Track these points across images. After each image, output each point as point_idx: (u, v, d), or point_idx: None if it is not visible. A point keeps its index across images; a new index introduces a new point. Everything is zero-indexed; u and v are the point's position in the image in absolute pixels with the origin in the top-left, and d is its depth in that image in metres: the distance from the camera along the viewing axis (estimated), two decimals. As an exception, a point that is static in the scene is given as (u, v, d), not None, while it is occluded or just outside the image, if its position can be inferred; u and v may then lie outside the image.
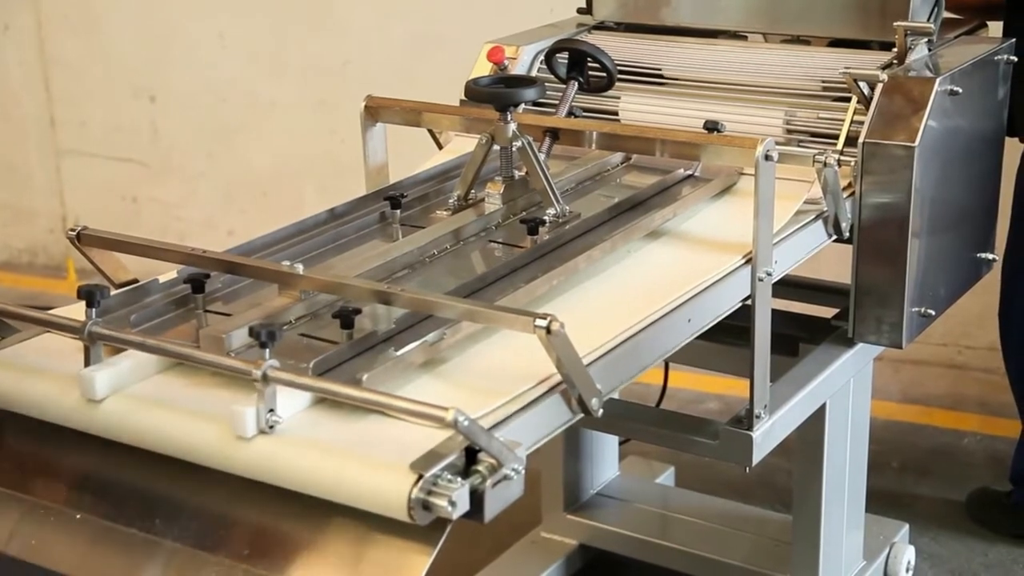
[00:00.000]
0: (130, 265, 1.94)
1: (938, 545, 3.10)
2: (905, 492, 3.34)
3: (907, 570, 2.85)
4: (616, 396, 1.78)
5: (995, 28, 2.72)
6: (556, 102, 2.42)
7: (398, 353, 1.63)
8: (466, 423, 1.38)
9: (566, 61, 2.42)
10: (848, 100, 2.33)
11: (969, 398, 3.83)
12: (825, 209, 2.21)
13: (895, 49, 2.37)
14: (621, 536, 2.89)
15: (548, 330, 1.52)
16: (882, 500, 3.21)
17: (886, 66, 2.34)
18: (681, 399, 3.74)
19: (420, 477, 1.38)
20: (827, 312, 2.55)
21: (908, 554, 2.86)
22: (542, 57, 2.58)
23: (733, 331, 2.13)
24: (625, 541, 2.89)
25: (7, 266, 5.25)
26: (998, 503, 3.19)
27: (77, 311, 1.69)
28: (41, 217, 5.19)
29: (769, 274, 2.03)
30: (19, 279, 5.15)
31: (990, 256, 2.63)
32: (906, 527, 2.91)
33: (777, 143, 1.99)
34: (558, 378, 1.62)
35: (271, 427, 1.49)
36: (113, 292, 1.82)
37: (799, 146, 2.35)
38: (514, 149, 2.14)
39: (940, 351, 3.92)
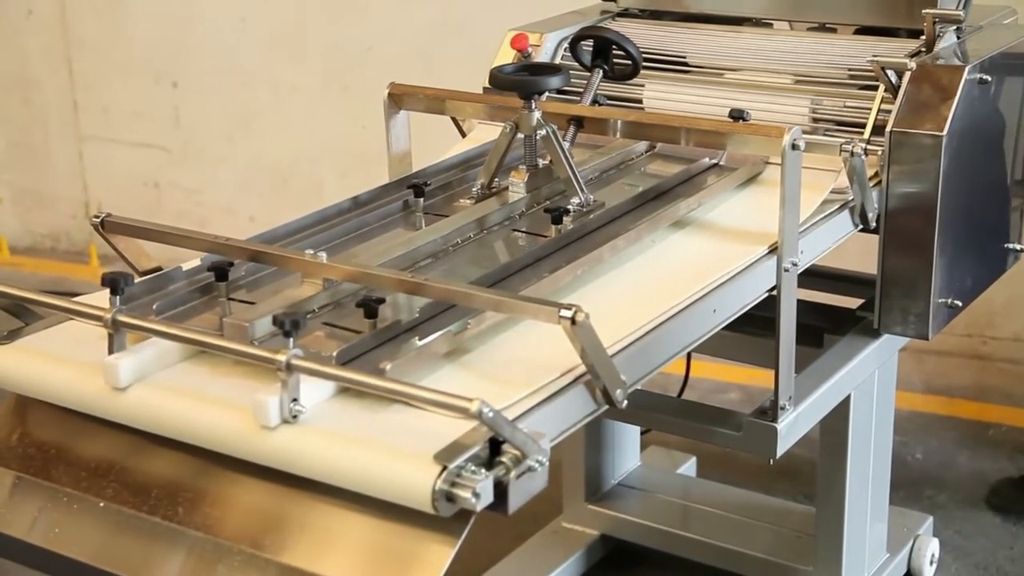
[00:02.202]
0: (152, 251, 1.93)
1: (962, 538, 3.07)
2: (929, 484, 3.32)
3: (931, 563, 2.84)
4: (639, 386, 1.77)
5: (1025, 16, 2.69)
6: (580, 90, 2.40)
7: (422, 343, 1.62)
8: (490, 414, 1.37)
9: (591, 49, 2.41)
10: (875, 88, 2.31)
11: (994, 389, 3.80)
12: (851, 198, 2.19)
13: (923, 37, 2.35)
14: (642, 527, 2.88)
15: (573, 321, 1.51)
16: (906, 492, 3.19)
17: (914, 54, 2.32)
18: (702, 389, 3.73)
19: (444, 468, 1.38)
20: (852, 303, 2.53)
21: (932, 547, 2.84)
22: (566, 44, 2.56)
23: (757, 321, 2.11)
24: (646, 532, 2.88)
25: (30, 251, 5.27)
26: (1014, 485, 3.18)
27: (101, 298, 1.68)
28: (63, 202, 5.20)
29: (795, 264, 2.01)
30: (41, 264, 5.16)
31: (1017, 247, 2.60)
32: (930, 519, 2.90)
33: (803, 132, 1.97)
34: (582, 369, 1.61)
35: (294, 416, 1.49)
36: (137, 280, 1.82)
37: (825, 135, 2.33)
38: (538, 137, 2.13)
39: (964, 342, 3.89)
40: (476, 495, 1.37)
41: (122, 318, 1.59)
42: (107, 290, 1.63)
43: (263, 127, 4.74)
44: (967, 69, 2.21)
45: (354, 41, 4.48)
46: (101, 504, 1.57)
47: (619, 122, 2.16)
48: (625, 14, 2.71)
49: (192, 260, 1.88)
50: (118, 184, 5.06)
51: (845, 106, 2.35)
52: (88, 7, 4.92)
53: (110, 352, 1.61)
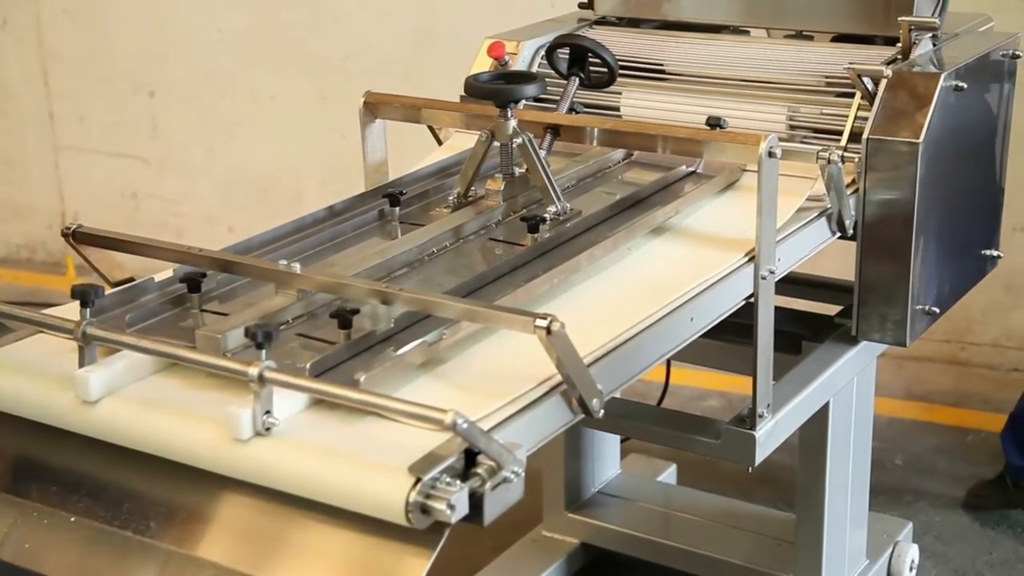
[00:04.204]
0: (126, 262, 1.92)
1: (942, 543, 3.08)
2: (908, 490, 3.32)
3: (911, 569, 2.84)
4: (617, 395, 1.76)
5: (1002, 23, 2.69)
6: (557, 98, 2.39)
7: (397, 353, 1.61)
8: (465, 425, 1.36)
9: (567, 57, 2.40)
10: (852, 96, 2.31)
11: (972, 395, 3.81)
12: (828, 206, 2.19)
13: (899, 44, 2.35)
14: (623, 535, 2.87)
15: (548, 330, 1.50)
16: (885, 498, 3.19)
17: (890, 61, 2.32)
18: (682, 396, 3.72)
19: (418, 480, 1.37)
20: (830, 309, 2.53)
21: (912, 553, 2.84)
22: (543, 52, 2.56)
23: (735, 328, 2.11)
24: (627, 540, 2.87)
25: (5, 262, 5.24)
26: (990, 483, 3.20)
27: (72, 310, 1.67)
28: (40, 213, 5.17)
29: (772, 272, 2.01)
30: (18, 275, 5.13)
31: (994, 253, 2.61)
32: (910, 525, 2.90)
33: (780, 139, 1.97)
34: (558, 378, 1.60)
35: (267, 429, 1.47)
36: (108, 291, 1.80)
37: (802, 142, 2.33)
38: (514, 146, 2.12)
39: (943, 347, 3.90)
40: (451, 507, 1.36)
41: (92, 331, 1.58)
42: (78, 302, 1.61)
43: (242, 137, 4.72)
44: (943, 76, 2.22)
45: (332, 50, 4.47)
46: (72, 519, 1.56)
47: (596, 130, 2.16)
48: (602, 22, 2.71)
49: (165, 271, 1.87)
50: (95, 195, 5.03)
51: (822, 113, 2.35)
52: (64, 16, 4.89)
53: (80, 365, 1.59)
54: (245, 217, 4.75)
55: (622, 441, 3.09)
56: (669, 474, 3.20)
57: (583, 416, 1.65)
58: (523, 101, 2.14)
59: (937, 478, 3.38)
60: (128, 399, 1.57)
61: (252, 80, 4.64)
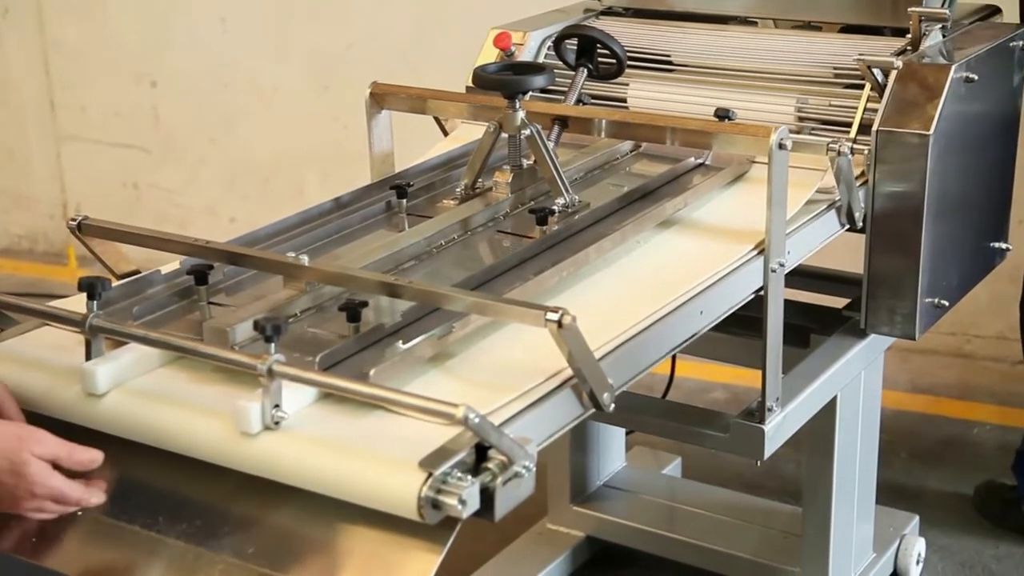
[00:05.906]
0: (131, 253, 1.90)
1: (948, 537, 3.06)
2: (914, 483, 3.31)
3: (918, 562, 2.83)
4: (625, 388, 1.75)
5: (1010, 14, 2.68)
6: (564, 89, 2.38)
7: (405, 347, 1.59)
8: (476, 420, 1.35)
9: (575, 47, 2.39)
10: (861, 87, 2.29)
11: (979, 388, 3.79)
12: (838, 198, 2.17)
13: (909, 35, 2.34)
14: (628, 528, 2.86)
15: (559, 324, 1.49)
16: (891, 491, 3.17)
17: (900, 52, 2.31)
18: (687, 388, 3.71)
19: (430, 475, 1.36)
20: (839, 302, 2.52)
21: (919, 546, 2.83)
22: (549, 43, 2.54)
23: (742, 321, 2.09)
24: (632, 533, 2.86)
25: (7, 253, 5.22)
26: (1002, 497, 3.16)
27: (78, 303, 1.65)
28: (41, 203, 5.15)
29: (782, 265, 1.99)
30: (19, 266, 5.11)
31: (1003, 245, 2.59)
32: (916, 519, 2.89)
33: (789, 131, 1.95)
34: (569, 372, 1.59)
35: (276, 423, 1.47)
36: (115, 284, 1.79)
37: (811, 134, 2.31)
38: (522, 137, 2.11)
39: (949, 340, 3.88)
40: (462, 502, 1.35)
41: (99, 323, 1.56)
42: (84, 294, 1.60)
43: (244, 127, 4.71)
44: (953, 68, 2.20)
45: (335, 40, 4.44)
46: (79, 513, 1.54)
47: (604, 122, 2.14)
48: (609, 12, 2.69)
49: (171, 263, 1.86)
50: (96, 185, 5.01)
51: (831, 105, 2.34)
52: (65, 6, 4.87)
53: (88, 358, 1.58)
54: (247, 207, 4.73)
55: (627, 434, 3.08)
56: (674, 467, 3.19)
57: (594, 410, 1.64)
58: (531, 92, 2.12)
59: (943, 471, 3.37)
60: (135, 392, 1.56)
61: (254, 70, 4.61)
